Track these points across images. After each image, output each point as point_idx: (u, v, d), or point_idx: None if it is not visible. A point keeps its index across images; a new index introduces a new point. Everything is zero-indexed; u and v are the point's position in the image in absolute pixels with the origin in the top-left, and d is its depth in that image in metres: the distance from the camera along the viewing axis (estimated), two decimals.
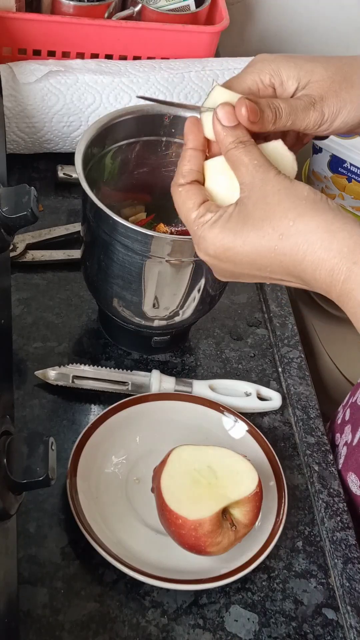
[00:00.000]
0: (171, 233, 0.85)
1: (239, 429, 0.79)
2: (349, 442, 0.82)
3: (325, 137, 0.69)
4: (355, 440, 0.80)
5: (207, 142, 0.61)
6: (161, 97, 1.01)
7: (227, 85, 0.62)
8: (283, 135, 0.64)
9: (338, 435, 0.85)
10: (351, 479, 0.79)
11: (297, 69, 0.62)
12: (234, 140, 0.57)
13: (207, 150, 0.61)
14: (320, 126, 0.62)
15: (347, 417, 0.85)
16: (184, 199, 0.59)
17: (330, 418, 0.94)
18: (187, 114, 0.80)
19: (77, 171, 0.73)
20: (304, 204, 0.53)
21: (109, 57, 1.06)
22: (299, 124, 0.61)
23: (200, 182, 0.60)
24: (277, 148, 0.59)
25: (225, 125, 0.58)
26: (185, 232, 0.84)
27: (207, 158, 0.60)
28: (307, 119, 0.61)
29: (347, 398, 0.90)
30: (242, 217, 0.55)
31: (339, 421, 0.88)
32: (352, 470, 0.79)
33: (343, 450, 0.82)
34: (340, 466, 0.81)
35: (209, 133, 0.60)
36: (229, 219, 0.56)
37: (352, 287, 0.51)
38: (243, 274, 0.58)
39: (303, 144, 0.67)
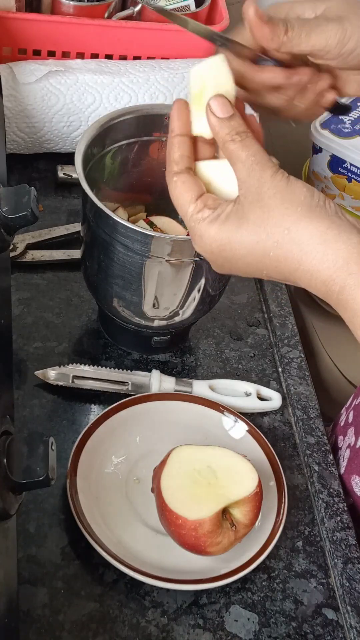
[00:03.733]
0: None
1: (239, 429, 0.79)
2: (352, 444, 0.81)
3: (346, 111, 0.66)
4: (359, 443, 0.80)
5: (195, 141, 0.59)
6: (161, 98, 1.01)
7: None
8: (301, 85, 0.62)
9: (341, 437, 0.85)
10: (355, 481, 0.79)
11: (311, 1, 0.60)
12: (229, 132, 0.55)
13: (195, 150, 0.59)
14: (344, 46, 0.58)
15: (350, 420, 0.85)
16: (180, 191, 0.57)
17: (330, 419, 0.94)
18: None
19: (77, 171, 0.73)
20: (299, 211, 0.52)
21: (109, 57, 1.06)
22: (315, 40, 0.58)
23: (193, 168, 0.58)
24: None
25: (220, 117, 0.56)
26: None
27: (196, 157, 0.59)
28: (324, 33, 0.58)
29: (350, 400, 0.89)
30: (239, 218, 0.54)
31: (341, 423, 0.87)
32: (356, 473, 0.79)
33: (346, 453, 0.82)
34: (343, 469, 0.81)
35: (198, 129, 0.58)
36: (227, 218, 0.55)
37: (347, 299, 0.51)
38: (241, 271, 0.57)
39: (324, 102, 0.64)
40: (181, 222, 0.87)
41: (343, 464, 0.81)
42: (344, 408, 0.90)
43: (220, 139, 0.56)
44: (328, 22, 0.58)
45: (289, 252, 0.52)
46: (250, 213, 0.54)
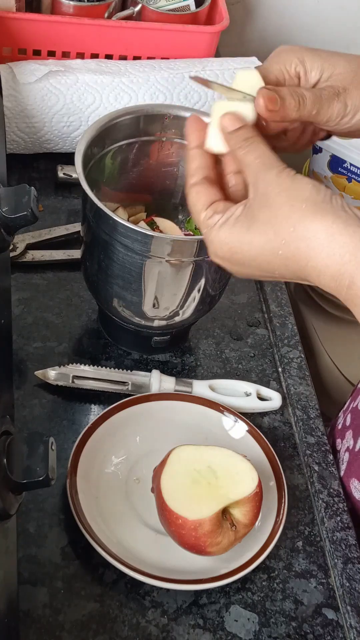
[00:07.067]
0: None
1: (239, 429, 0.79)
2: (350, 447, 0.81)
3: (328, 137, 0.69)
4: (358, 446, 0.80)
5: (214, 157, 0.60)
6: (161, 98, 1.01)
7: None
8: (302, 128, 0.64)
9: (339, 440, 0.85)
10: (354, 485, 0.79)
11: (321, 60, 0.62)
12: (237, 140, 0.57)
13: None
14: (342, 118, 0.61)
15: (347, 423, 0.85)
16: (194, 201, 0.59)
17: (330, 419, 0.94)
18: (187, 113, 0.80)
19: (77, 171, 0.73)
20: (304, 208, 0.53)
21: (109, 57, 1.06)
22: (322, 115, 0.60)
23: (211, 177, 0.59)
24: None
25: (230, 130, 0.58)
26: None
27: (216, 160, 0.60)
28: (330, 109, 0.60)
29: (347, 403, 0.89)
30: (248, 220, 0.55)
31: (339, 426, 0.87)
32: (355, 476, 0.79)
33: (345, 456, 0.82)
34: (342, 472, 0.81)
35: (212, 146, 0.59)
36: (235, 222, 0.55)
37: (356, 293, 0.51)
38: (254, 275, 0.58)
39: (317, 139, 0.67)
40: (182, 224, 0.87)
41: (342, 467, 0.81)
42: (341, 411, 0.90)
43: (233, 150, 0.58)
44: (334, 99, 0.61)
45: (297, 250, 0.52)
46: (259, 214, 0.54)
